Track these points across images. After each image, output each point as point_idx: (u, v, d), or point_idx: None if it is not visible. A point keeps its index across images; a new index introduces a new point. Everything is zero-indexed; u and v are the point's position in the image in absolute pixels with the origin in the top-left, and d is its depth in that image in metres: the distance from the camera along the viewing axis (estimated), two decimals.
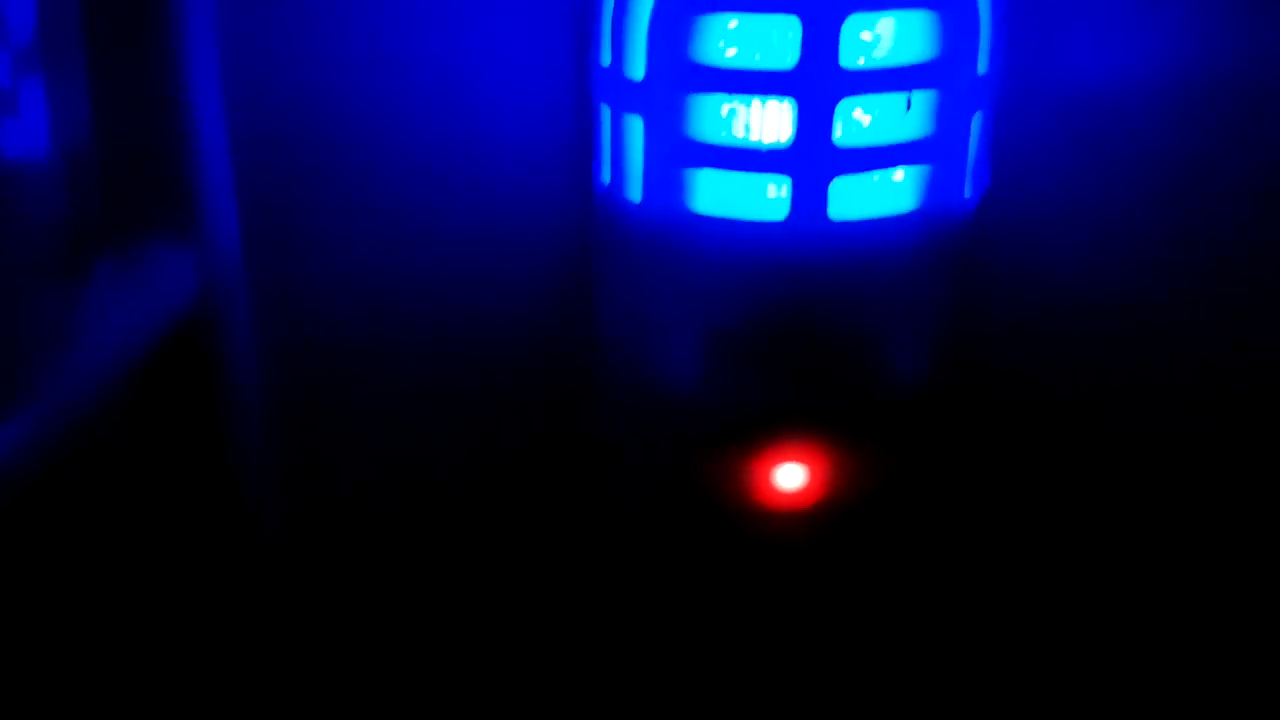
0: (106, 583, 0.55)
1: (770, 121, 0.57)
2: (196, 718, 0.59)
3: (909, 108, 0.57)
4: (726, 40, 0.56)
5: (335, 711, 0.67)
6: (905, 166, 0.58)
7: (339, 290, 0.65)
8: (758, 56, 0.56)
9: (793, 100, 0.55)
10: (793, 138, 0.56)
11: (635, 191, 0.60)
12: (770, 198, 0.59)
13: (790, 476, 0.64)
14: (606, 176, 0.62)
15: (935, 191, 0.59)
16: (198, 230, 0.54)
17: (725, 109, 0.57)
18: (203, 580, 0.57)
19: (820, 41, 0.53)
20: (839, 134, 0.55)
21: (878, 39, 0.57)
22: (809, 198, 0.57)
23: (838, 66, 0.54)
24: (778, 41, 0.55)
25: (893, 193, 0.59)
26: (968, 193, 0.61)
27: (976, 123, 0.60)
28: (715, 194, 0.59)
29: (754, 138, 0.57)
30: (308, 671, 0.67)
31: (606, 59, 0.59)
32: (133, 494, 0.54)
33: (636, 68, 0.57)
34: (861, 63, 0.56)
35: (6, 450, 0.41)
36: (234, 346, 0.55)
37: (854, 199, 0.58)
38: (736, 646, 0.69)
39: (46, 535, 0.51)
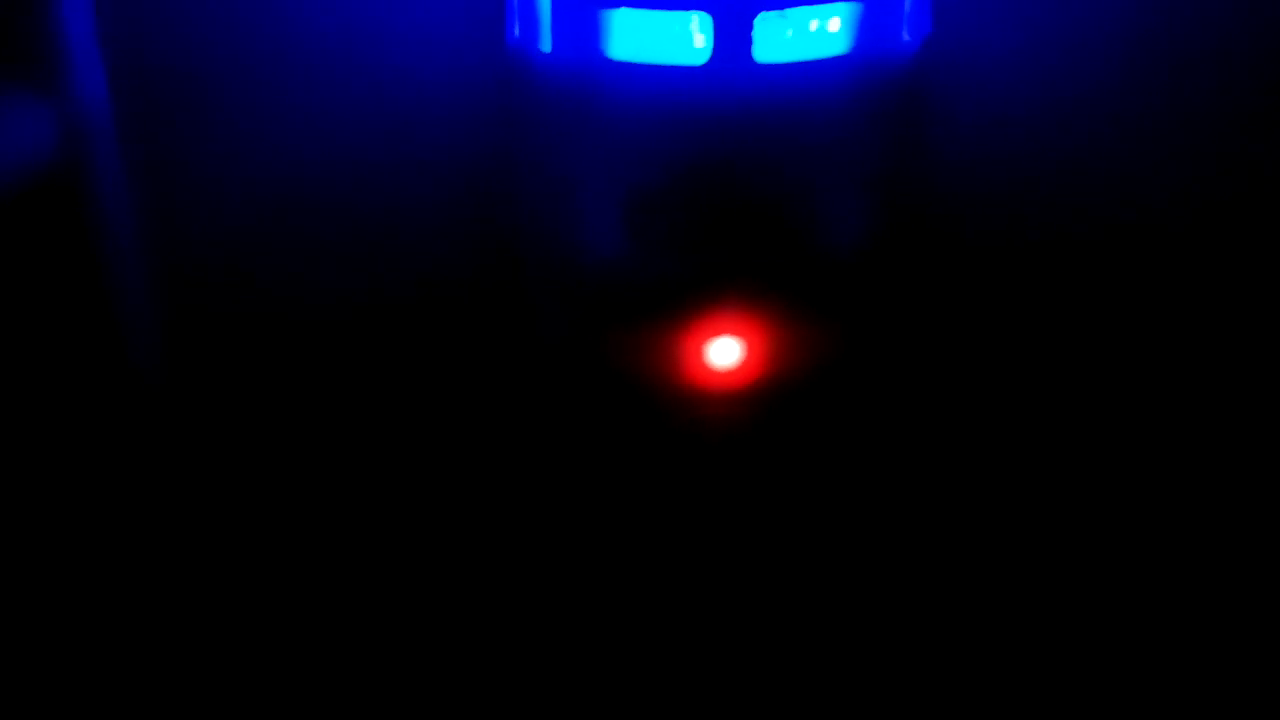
0: None
1: None
2: (82, 565, 0.56)
3: None
4: None
5: (215, 562, 0.63)
6: (836, 4, 0.54)
7: (229, 153, 0.60)
8: None
9: None
10: None
11: (545, 40, 0.55)
12: (696, 47, 0.54)
13: (724, 352, 0.60)
14: (517, 29, 0.58)
15: (868, 34, 0.55)
16: (58, 80, 0.49)
17: None
18: (80, 437, 0.53)
19: None
20: None
21: None
22: (731, 36, 0.52)
23: None
24: None
25: (824, 39, 0.55)
26: (905, 35, 0.56)
27: None
28: (631, 39, 0.54)
29: None
30: (195, 525, 0.63)
31: None
32: None
33: None
34: None
35: None
36: (102, 205, 0.50)
37: (782, 44, 0.54)
38: (667, 546, 0.65)
39: None
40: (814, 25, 0.54)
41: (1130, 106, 0.64)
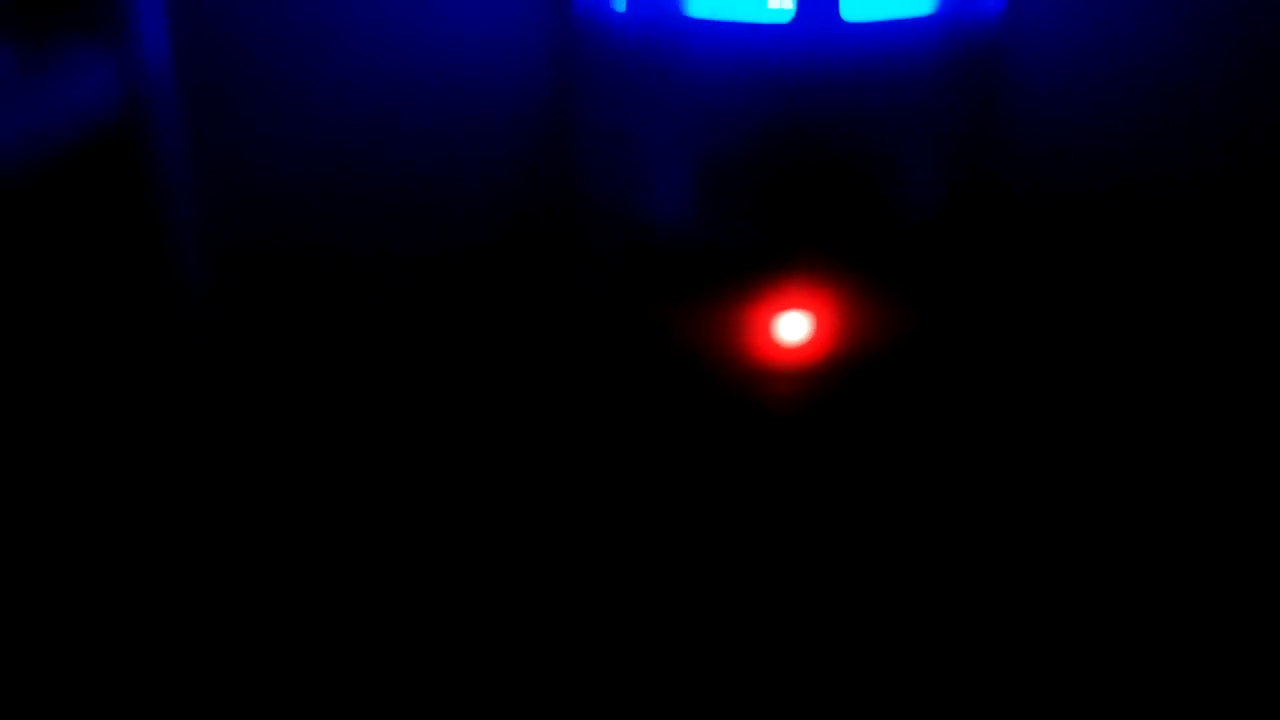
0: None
1: None
2: (131, 498, 0.55)
3: None
4: None
5: (259, 493, 0.62)
6: None
7: (286, 107, 0.58)
8: None
9: None
10: None
11: None
12: (772, 8, 0.53)
13: (793, 327, 0.58)
14: None
15: None
16: (120, 31, 0.47)
17: None
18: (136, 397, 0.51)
19: None
20: None
21: None
22: None
23: None
24: None
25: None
26: None
27: None
28: None
29: None
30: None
31: None
32: (52, 305, 0.48)
33: None
34: None
35: None
36: (163, 159, 0.48)
37: (870, 2, 0.52)
38: (726, 529, 0.63)
39: None
40: None
41: (1213, 72, 0.62)
